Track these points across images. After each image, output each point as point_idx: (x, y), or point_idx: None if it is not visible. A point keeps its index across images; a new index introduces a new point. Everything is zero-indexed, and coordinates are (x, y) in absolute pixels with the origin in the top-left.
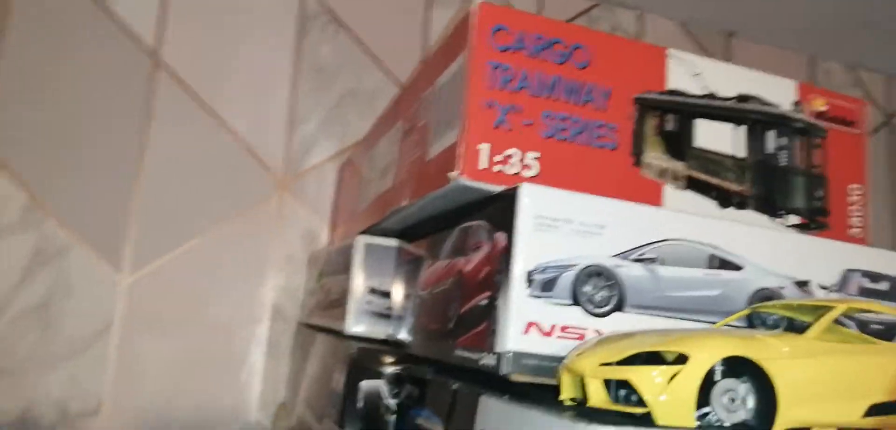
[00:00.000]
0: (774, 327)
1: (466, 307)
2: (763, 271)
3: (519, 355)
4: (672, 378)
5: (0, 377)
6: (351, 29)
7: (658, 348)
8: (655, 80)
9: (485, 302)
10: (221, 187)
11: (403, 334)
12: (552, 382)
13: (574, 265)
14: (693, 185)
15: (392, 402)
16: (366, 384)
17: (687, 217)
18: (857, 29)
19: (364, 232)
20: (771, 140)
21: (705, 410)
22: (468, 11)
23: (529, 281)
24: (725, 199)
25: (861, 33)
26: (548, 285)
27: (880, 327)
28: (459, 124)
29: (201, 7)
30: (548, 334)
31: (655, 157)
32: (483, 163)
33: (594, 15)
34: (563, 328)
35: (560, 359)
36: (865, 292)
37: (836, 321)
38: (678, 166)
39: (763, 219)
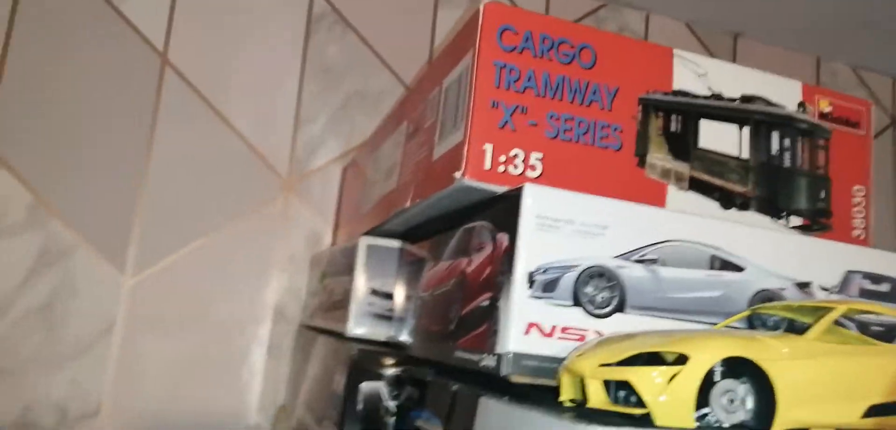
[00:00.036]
0: (775, 328)
1: (468, 309)
2: (764, 273)
3: (519, 357)
4: (672, 379)
5: (1, 377)
6: (358, 30)
7: (658, 348)
8: (662, 80)
9: (486, 303)
10: (226, 188)
11: (404, 336)
12: (552, 383)
13: (576, 266)
14: (696, 186)
15: (392, 404)
16: (366, 386)
17: (689, 218)
18: (864, 30)
19: (367, 233)
20: (775, 141)
21: (704, 410)
22: (475, 11)
23: (531, 282)
24: (728, 200)
25: (867, 35)
26: (549, 286)
27: (881, 328)
28: (464, 124)
29: (207, 7)
30: (548, 335)
31: (659, 157)
32: (487, 163)
33: (601, 15)
34: (564, 329)
35: (560, 360)
36: (866, 294)
37: (837, 323)
38: (682, 167)
39: (765, 220)
